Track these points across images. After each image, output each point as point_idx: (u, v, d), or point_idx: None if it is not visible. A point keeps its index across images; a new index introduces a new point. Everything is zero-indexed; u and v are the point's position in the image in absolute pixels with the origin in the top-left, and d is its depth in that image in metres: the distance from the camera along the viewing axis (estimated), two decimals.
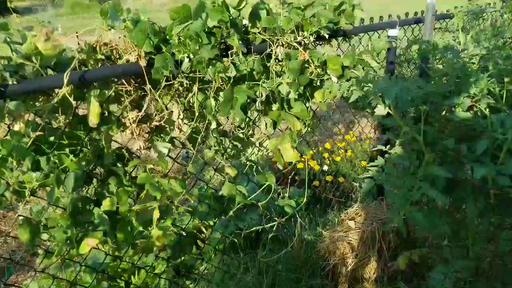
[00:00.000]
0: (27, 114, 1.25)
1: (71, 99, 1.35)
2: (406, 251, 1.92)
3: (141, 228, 1.39)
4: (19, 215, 1.16)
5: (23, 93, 1.19)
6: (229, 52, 1.56)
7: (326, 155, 3.75)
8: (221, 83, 1.52)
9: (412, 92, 1.19)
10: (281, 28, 1.66)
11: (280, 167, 1.90)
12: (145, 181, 1.35)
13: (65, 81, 1.21)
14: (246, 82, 1.65)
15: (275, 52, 1.66)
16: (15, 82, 1.15)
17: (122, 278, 1.92)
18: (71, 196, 1.31)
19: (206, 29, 1.49)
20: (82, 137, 1.39)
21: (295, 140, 1.69)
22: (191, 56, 1.42)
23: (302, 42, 1.69)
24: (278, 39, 1.68)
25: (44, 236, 1.27)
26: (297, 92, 1.67)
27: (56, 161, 1.28)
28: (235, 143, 1.88)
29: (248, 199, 1.81)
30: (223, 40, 1.58)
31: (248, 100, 1.53)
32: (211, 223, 2.02)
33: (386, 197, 2.17)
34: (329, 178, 3.43)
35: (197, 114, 1.61)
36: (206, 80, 1.62)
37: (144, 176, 1.36)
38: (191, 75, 1.51)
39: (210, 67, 1.47)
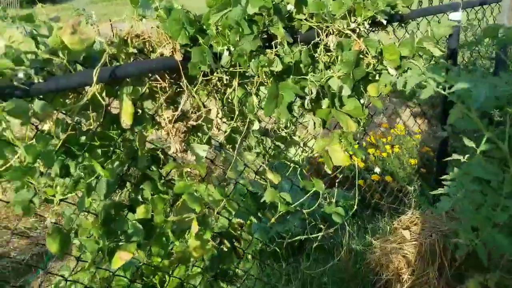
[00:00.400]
0: (56, 114, 1.15)
1: (102, 97, 1.24)
2: (475, 271, 1.68)
3: (177, 243, 1.27)
4: (51, 222, 1.06)
5: (49, 92, 1.08)
6: (272, 43, 1.40)
7: (371, 150, 3.49)
8: (264, 78, 1.36)
9: (497, 89, 0.97)
10: (331, 14, 1.48)
11: (328, 171, 1.72)
12: (183, 191, 1.22)
13: (95, 78, 1.09)
14: (291, 76, 1.48)
15: (325, 41, 1.48)
16: (41, 80, 1.04)
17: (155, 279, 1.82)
18: (103, 203, 1.20)
19: (247, 17, 1.33)
20: (115, 138, 1.28)
21: (351, 143, 1.51)
22: (231, 48, 1.27)
23: (357, 30, 1.50)
24: (327, 26, 1.50)
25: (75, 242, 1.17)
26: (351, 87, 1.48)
27: (86, 163, 1.17)
28: (277, 143, 1.72)
29: (292, 205, 1.65)
30: (265, 29, 1.41)
31: (295, 98, 1.37)
32: (248, 224, 1.88)
33: (460, 215, 1.93)
34: (375, 177, 3.20)
35: (237, 112, 1.47)
36: (247, 75, 1.47)
37: (182, 185, 1.23)
38: (230, 69, 1.36)
39: (253, 60, 1.32)
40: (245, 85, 1.57)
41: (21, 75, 1.00)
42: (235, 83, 1.45)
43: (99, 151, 1.26)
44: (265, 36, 1.44)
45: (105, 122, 1.26)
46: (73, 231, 1.17)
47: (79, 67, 1.17)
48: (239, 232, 1.84)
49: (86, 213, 1.24)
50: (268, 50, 1.37)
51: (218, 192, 1.36)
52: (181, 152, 1.32)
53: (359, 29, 1.51)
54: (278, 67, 1.34)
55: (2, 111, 0.92)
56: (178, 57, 1.26)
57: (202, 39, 1.30)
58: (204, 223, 1.27)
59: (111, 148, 1.28)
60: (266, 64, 1.31)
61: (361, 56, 1.52)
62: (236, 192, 1.76)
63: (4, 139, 0.97)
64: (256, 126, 1.48)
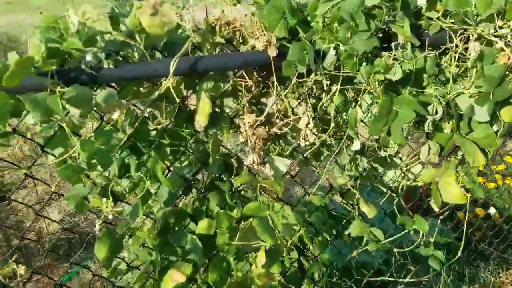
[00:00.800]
0: (126, 105, 1.01)
1: (180, 90, 1.08)
2: None
3: (239, 273, 1.08)
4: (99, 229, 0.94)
5: (120, 80, 0.94)
6: (392, 45, 1.11)
7: (480, 179, 2.98)
8: (377, 87, 1.08)
9: None
10: (475, 14, 1.13)
11: (435, 208, 1.39)
12: (254, 213, 1.02)
13: (172, 69, 0.92)
14: (408, 88, 1.18)
15: (460, 48, 1.15)
16: (111, 66, 0.90)
17: None
18: (163, 210, 1.05)
19: (363, 10, 1.06)
20: (187, 138, 1.12)
21: (474, 180, 1.17)
22: (340, 46, 1.01)
23: (505, 37, 1.13)
24: (465, 29, 1.16)
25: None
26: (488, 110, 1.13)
27: (150, 164, 1.02)
28: (374, 165, 1.43)
29: (382, 242, 1.36)
30: (384, 27, 1.13)
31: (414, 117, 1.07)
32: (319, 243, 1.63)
33: None
34: (480, 211, 2.71)
35: (332, 124, 1.21)
36: (350, 80, 1.21)
37: (253, 207, 1.03)
38: (333, 72, 1.10)
39: (364, 64, 1.05)
40: (345, 92, 1.31)
41: (89, 57, 0.87)
42: (335, 89, 1.19)
43: (168, 150, 1.12)
44: (381, 34, 1.15)
45: (178, 119, 1.10)
46: (125, 238, 1.03)
47: (157, 55, 1.02)
48: (309, 252, 1.60)
49: (143, 217, 1.10)
50: (384, 53, 1.09)
51: (295, 218, 1.14)
52: (259, 164, 1.11)
53: (510, 36, 1.14)
54: (396, 75, 1.06)
55: (61, 99, 0.79)
56: (272, 52, 1.05)
57: (304, 33, 1.06)
58: (274, 255, 1.06)
59: (181, 149, 1.12)
60: (381, 70, 1.03)
61: (506, 72, 1.16)
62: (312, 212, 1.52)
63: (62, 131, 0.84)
64: (355, 145, 1.21)
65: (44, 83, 0.83)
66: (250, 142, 1.10)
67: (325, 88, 1.14)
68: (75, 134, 0.91)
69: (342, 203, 1.47)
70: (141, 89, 1.08)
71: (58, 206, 3.29)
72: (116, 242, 1.00)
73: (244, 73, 1.10)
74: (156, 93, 0.93)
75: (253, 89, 1.15)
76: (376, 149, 1.38)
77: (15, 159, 3.26)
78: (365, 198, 1.39)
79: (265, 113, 1.10)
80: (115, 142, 0.99)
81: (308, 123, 1.20)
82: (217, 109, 1.11)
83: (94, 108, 0.88)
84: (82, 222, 3.11)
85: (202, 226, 1.09)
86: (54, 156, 0.94)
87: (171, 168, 1.10)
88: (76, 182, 0.93)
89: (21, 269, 0.96)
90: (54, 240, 2.68)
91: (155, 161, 1.03)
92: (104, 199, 0.96)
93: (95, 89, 0.94)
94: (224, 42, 1.06)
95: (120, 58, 0.96)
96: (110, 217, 1.03)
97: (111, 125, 0.99)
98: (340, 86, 1.16)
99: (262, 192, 1.16)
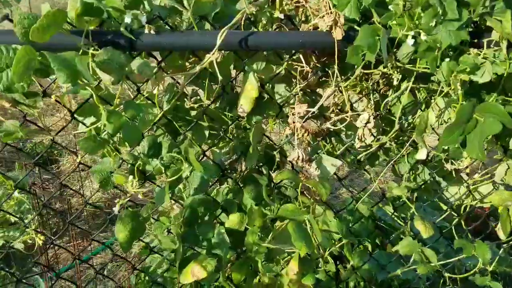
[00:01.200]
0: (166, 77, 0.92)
1: (227, 68, 0.97)
2: None
3: (266, 278, 0.96)
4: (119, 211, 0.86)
5: (158, 48, 0.84)
6: (484, 41, 0.91)
7: None
8: (458, 89, 0.90)
9: None
10: None
11: (502, 237, 1.19)
12: (290, 216, 0.89)
13: (218, 42, 0.81)
14: (493, 95, 0.98)
15: None
16: (152, 32, 0.80)
17: None
18: (192, 197, 0.95)
19: None
20: (228, 122, 1.01)
21: None
22: (421, 36, 0.84)
23: None
24: None
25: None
26: None
27: (185, 146, 0.92)
28: (437, 178, 1.24)
29: (434, 264, 1.19)
30: (476, 19, 0.93)
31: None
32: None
33: None
34: None
35: (396, 126, 1.04)
36: (423, 77, 1.03)
37: (290, 209, 0.90)
38: (408, 66, 0.93)
39: (447, 60, 0.87)
40: (416, 91, 1.13)
41: (128, 19, 0.77)
42: (405, 86, 1.02)
43: (206, 133, 1.02)
44: (472, 28, 0.96)
45: (221, 100, 0.99)
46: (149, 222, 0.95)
47: (207, 26, 0.91)
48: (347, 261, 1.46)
49: (172, 202, 1.02)
50: (473, 50, 0.90)
51: (337, 226, 1.00)
52: (304, 161, 0.98)
53: None
54: (484, 77, 0.87)
55: (92, 61, 0.71)
56: (338, 35, 0.89)
57: (379, 16, 0.89)
58: (308, 265, 0.94)
59: (220, 134, 1.02)
60: (467, 69, 0.85)
61: None
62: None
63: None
64: (422, 154, 1.04)
65: (77, 43, 0.75)
66: (298, 135, 0.97)
67: (394, 84, 0.97)
68: (108, 103, 0.83)
69: (393, 215, 1.31)
70: (187, 63, 0.98)
71: None
72: (139, 224, 0.92)
73: (301, 57, 0.97)
74: (198, 68, 0.82)
75: (309, 76, 1.01)
76: (443, 160, 1.19)
77: (65, 122, 3.36)
78: (421, 214, 1.22)
79: (318, 105, 0.96)
80: (149, 118, 0.90)
81: (368, 122, 1.04)
82: (264, 95, 0.98)
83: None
84: (123, 195, 3.13)
85: (233, 220, 0.98)
86: (84, 124, 0.87)
87: (206, 153, 1.00)
88: (103, 156, 0.86)
89: (39, 239, 0.92)
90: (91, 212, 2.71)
91: (189, 143, 0.94)
92: (131, 177, 0.88)
93: (134, 56, 0.85)
94: (283, 18, 0.93)
95: (166, 26, 0.86)
96: (140, 197, 0.95)
97: (146, 98, 0.91)
98: (413, 83, 0.99)
99: (304, 192, 1.03)
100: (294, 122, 0.96)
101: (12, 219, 1.11)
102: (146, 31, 0.80)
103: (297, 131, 0.98)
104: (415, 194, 1.22)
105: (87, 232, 2.48)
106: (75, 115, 0.87)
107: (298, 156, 0.97)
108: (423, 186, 1.24)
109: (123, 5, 0.77)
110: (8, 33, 0.73)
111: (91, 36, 0.77)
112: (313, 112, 0.97)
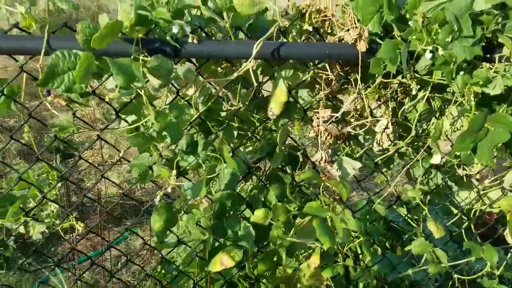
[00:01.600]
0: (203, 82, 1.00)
1: (256, 75, 1.05)
2: None
3: (289, 270, 1.04)
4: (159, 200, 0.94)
5: (201, 56, 0.93)
6: (496, 56, 0.98)
7: None
8: (471, 100, 0.97)
9: None
10: None
11: (510, 241, 1.25)
12: (315, 213, 0.97)
13: (254, 52, 0.89)
14: (503, 106, 1.05)
15: None
16: (195, 41, 0.89)
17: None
18: (221, 192, 1.04)
19: (470, 14, 0.95)
20: (256, 124, 1.09)
21: None
22: (439, 50, 0.92)
23: None
24: None
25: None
26: None
27: (217, 144, 1.01)
28: (449, 183, 1.31)
29: (444, 264, 1.25)
30: (489, 35, 1.01)
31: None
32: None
33: None
34: None
35: (413, 132, 1.12)
36: (438, 87, 1.10)
37: (314, 206, 0.98)
38: (425, 77, 1.01)
39: (462, 73, 0.94)
40: (431, 100, 1.20)
41: (175, 29, 0.86)
42: (422, 95, 1.09)
43: (235, 133, 1.10)
44: (484, 43, 1.03)
45: (251, 103, 1.08)
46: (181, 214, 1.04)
47: (241, 36, 0.99)
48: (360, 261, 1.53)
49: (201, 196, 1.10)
50: (486, 64, 0.97)
51: (354, 224, 1.07)
52: (327, 162, 1.06)
53: None
54: (495, 90, 0.94)
55: (143, 67, 0.79)
56: (362, 47, 0.97)
57: (400, 31, 0.97)
58: (328, 259, 1.01)
59: (249, 134, 1.10)
60: (480, 82, 0.92)
61: None
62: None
63: (139, 99, 0.85)
64: (436, 159, 1.11)
65: (129, 50, 0.83)
66: (321, 137, 1.05)
67: (413, 93, 1.04)
68: (151, 104, 0.92)
69: (406, 217, 1.38)
70: (218, 69, 1.06)
71: (117, 171, 3.46)
72: (172, 215, 1.00)
73: (327, 66, 1.05)
74: (235, 74, 0.90)
75: (332, 83, 1.09)
76: (455, 166, 1.26)
77: (88, 120, 3.47)
78: (434, 216, 1.29)
79: (342, 110, 1.04)
80: (186, 118, 0.99)
81: (387, 128, 1.12)
82: (291, 99, 1.06)
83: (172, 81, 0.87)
84: (138, 190, 3.24)
85: (258, 215, 1.07)
86: (127, 122, 0.96)
87: (234, 152, 1.08)
88: (144, 151, 0.94)
89: (79, 226, 1.01)
90: (112, 204, 2.81)
91: (221, 142, 1.02)
92: (174, 171, 0.96)
93: (175, 62, 0.94)
94: (311, 30, 1.01)
95: (204, 35, 0.95)
96: (169, 190, 1.04)
97: (185, 100, 0.99)
98: (430, 93, 1.06)
99: (324, 192, 1.11)
100: (318, 126, 1.04)
101: (50, 206, 1.20)
102: (190, 40, 0.89)
103: (320, 134, 1.06)
104: (428, 197, 1.29)
105: (105, 224, 2.57)
106: (119, 114, 0.96)
107: (322, 157, 1.04)
108: (435, 190, 1.32)
109: (170, 15, 0.86)
110: (70, 40, 0.82)
111: (141, 44, 0.86)
112: (336, 117, 1.05)
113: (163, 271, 1.75)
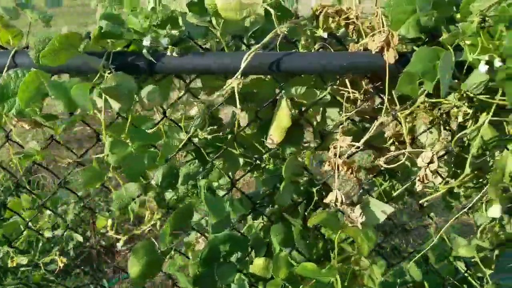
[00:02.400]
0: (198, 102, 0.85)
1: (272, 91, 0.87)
2: None
3: None
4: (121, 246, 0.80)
5: (179, 71, 0.77)
6: None
7: None
8: None
9: None
10: None
11: None
12: (309, 276, 0.75)
13: (242, 66, 0.71)
14: None
15: None
16: (175, 54, 0.74)
17: None
18: (213, 235, 0.86)
19: None
20: (262, 151, 0.90)
21: None
22: (496, 61, 0.65)
23: None
24: None
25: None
26: None
27: (213, 177, 0.84)
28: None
29: None
30: None
31: None
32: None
33: None
34: None
35: (467, 170, 0.83)
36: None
37: (309, 268, 0.75)
38: (481, 97, 0.73)
39: None
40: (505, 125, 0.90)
41: (146, 42, 0.71)
42: (483, 120, 0.81)
43: (240, 160, 0.92)
44: None
45: (255, 126, 0.89)
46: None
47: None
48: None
49: (197, 234, 0.94)
50: None
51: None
52: (344, 204, 0.83)
53: None
54: None
55: (98, 86, 0.66)
56: (390, 58, 0.74)
57: (445, 33, 0.72)
58: None
59: (253, 162, 0.91)
60: None
61: None
62: None
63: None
64: (494, 211, 0.82)
65: (95, 65, 0.71)
66: (336, 171, 0.82)
67: (459, 120, 0.77)
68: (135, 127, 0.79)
69: (466, 274, 1.07)
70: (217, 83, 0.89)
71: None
72: (156, 258, 0.85)
73: (347, 81, 0.82)
74: (215, 96, 0.73)
75: (358, 102, 0.86)
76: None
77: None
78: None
79: (364, 139, 0.80)
80: (175, 143, 0.84)
81: (431, 162, 0.85)
82: (302, 122, 0.85)
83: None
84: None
85: (258, 264, 0.87)
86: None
87: (240, 182, 0.90)
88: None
89: (60, 261, 0.91)
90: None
91: (217, 172, 0.85)
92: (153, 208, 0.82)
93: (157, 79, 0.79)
94: (326, 37, 0.80)
95: (198, 47, 0.79)
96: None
97: (171, 123, 0.85)
98: (492, 117, 0.78)
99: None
100: (334, 157, 0.81)
101: None
102: (168, 53, 0.73)
103: (340, 168, 0.83)
104: (496, 252, 0.97)
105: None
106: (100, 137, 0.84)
107: (337, 198, 0.81)
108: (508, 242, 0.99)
109: (145, 26, 0.72)
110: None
111: (112, 59, 0.73)
112: (358, 147, 0.81)
113: None
